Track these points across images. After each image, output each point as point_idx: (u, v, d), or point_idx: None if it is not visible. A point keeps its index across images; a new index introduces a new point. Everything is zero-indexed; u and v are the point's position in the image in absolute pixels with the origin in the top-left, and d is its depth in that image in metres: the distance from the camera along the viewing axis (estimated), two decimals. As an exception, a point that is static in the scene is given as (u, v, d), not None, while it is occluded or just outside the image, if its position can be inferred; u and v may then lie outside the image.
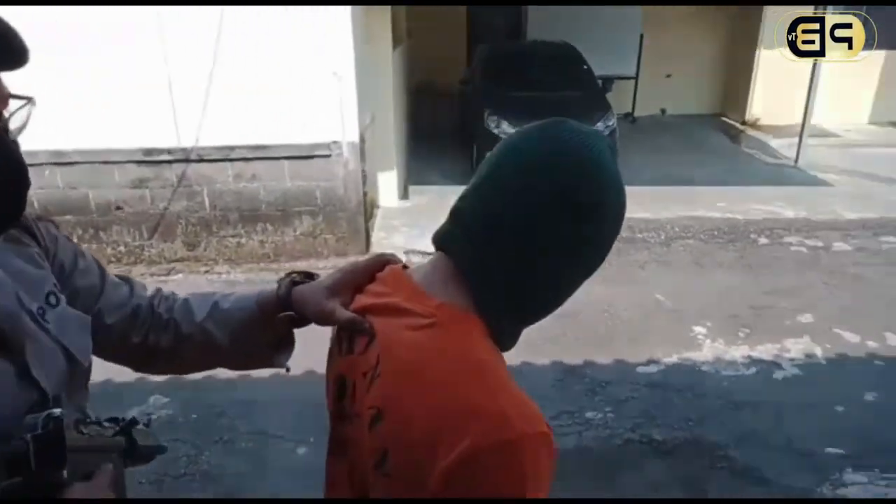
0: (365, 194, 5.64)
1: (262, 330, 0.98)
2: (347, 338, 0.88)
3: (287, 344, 1.02)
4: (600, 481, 3.09)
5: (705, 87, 11.39)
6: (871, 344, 4.19)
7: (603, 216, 0.77)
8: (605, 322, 4.57)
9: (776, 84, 9.82)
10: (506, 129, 7.29)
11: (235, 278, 5.28)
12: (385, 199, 6.84)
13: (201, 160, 5.27)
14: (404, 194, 7.25)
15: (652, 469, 3.17)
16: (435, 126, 10.09)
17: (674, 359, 4.10)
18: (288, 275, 0.99)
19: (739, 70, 10.57)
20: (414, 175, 7.94)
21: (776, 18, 9.67)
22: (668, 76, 11.16)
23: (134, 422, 0.88)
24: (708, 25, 10.92)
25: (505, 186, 0.77)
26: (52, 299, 0.84)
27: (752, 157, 8.94)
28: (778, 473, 3.10)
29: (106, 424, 0.85)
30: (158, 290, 1.05)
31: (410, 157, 8.62)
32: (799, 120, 8.23)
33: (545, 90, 7.91)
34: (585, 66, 8.51)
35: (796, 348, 4.18)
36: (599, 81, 8.42)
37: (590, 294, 5.01)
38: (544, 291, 0.81)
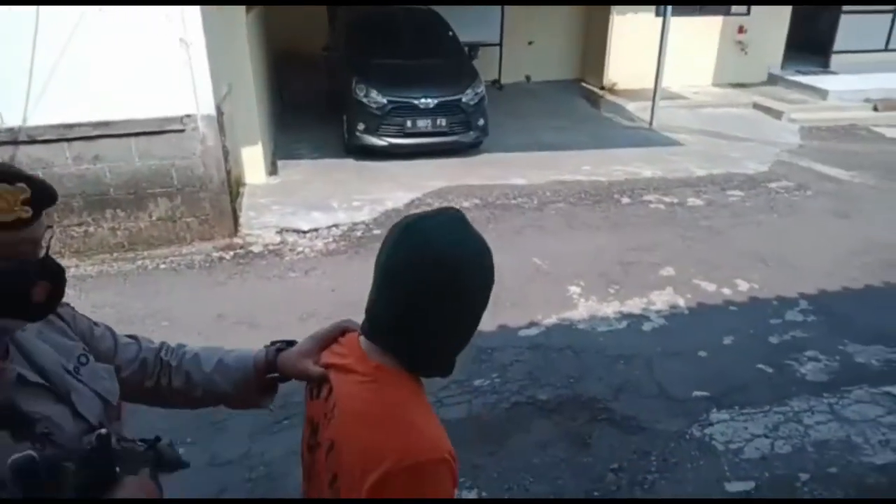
0: (228, 172, 5.25)
1: (256, 383, 1.33)
2: (317, 386, 1.18)
3: (272, 392, 1.38)
4: (492, 445, 3.12)
5: (566, 54, 11.77)
6: (726, 291, 4.56)
7: (477, 286, 1.06)
8: (486, 289, 4.61)
9: (629, 50, 10.35)
10: (375, 97, 7.10)
11: (85, 272, 4.75)
12: (252, 175, 6.44)
13: (33, 141, 4.62)
14: (273, 170, 6.88)
15: (539, 428, 3.25)
16: (302, 95, 9.63)
17: (553, 319, 4.22)
18: (272, 343, 1.36)
19: (596, 37, 11.02)
20: (283, 148, 7.55)
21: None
22: (531, 43, 11.41)
23: (158, 439, 1.20)
24: (566, -8, 11.24)
25: (399, 291, 1.03)
26: (83, 359, 1.17)
27: (612, 120, 9.41)
28: (653, 420, 3.29)
29: (139, 443, 1.18)
30: (163, 343, 1.37)
31: (278, 129, 8.19)
32: (651, 84, 8.74)
33: (412, 57, 7.78)
34: (451, 33, 8.45)
35: (661, 300, 4.46)
36: (466, 48, 8.41)
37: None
38: (449, 344, 1.10)
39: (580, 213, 5.99)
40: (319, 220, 5.70)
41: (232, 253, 5.09)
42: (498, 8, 10.58)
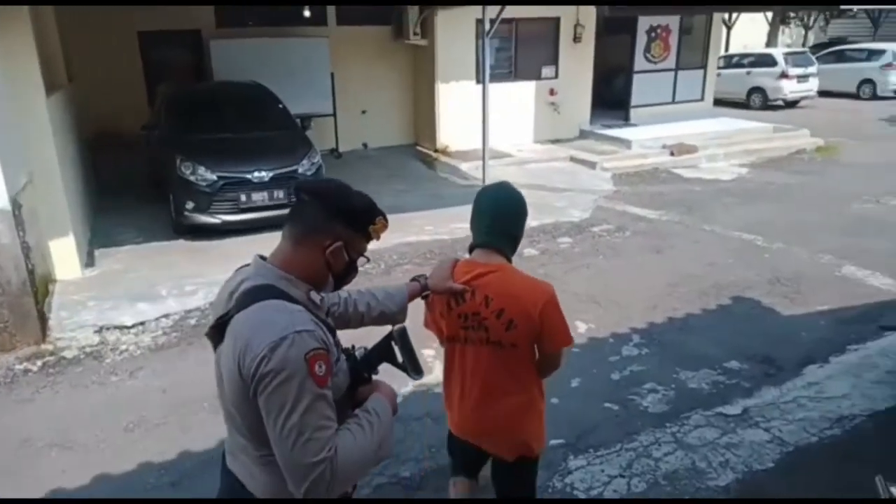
0: (31, 270, 4.65)
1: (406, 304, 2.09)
2: (455, 298, 2.08)
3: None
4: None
5: (399, 121, 12.16)
6: (568, 335, 4.77)
7: (526, 209, 2.15)
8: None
9: (457, 114, 10.92)
10: (203, 174, 6.76)
11: None
12: (63, 270, 5.75)
13: None
14: (90, 261, 6.21)
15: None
16: (123, 178, 8.94)
17: (409, 387, 4.12)
18: (415, 278, 2.14)
19: (425, 102, 11.51)
20: (102, 236, 6.88)
21: (448, 55, 10.82)
22: (364, 112, 11.66)
23: (353, 348, 1.67)
24: (392, 62, 11.69)
25: (508, 217, 2.11)
26: (330, 320, 1.69)
27: (448, 180, 9.77)
28: (516, 477, 3.26)
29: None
30: (347, 293, 1.98)
31: (95, 215, 7.48)
32: (480, 145, 9.23)
33: (241, 131, 7.57)
34: (281, 106, 8.37)
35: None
36: (298, 120, 8.35)
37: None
38: (521, 240, 2.18)
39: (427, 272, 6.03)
40: (146, 312, 5.19)
41: (40, 363, 4.44)
42: (328, 79, 10.72)
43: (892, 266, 5.88)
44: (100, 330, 4.91)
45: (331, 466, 1.33)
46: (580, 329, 4.85)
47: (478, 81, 10.47)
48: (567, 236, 7.01)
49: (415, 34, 10.94)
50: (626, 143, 11.02)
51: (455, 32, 10.79)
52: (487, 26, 9.00)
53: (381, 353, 1.67)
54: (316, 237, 1.49)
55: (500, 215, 2.08)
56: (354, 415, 1.51)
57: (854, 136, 12.71)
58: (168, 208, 7.08)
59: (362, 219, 1.53)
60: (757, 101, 17.15)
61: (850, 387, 4.00)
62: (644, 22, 12.41)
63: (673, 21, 12.70)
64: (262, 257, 1.54)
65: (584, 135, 12.09)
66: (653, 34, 12.63)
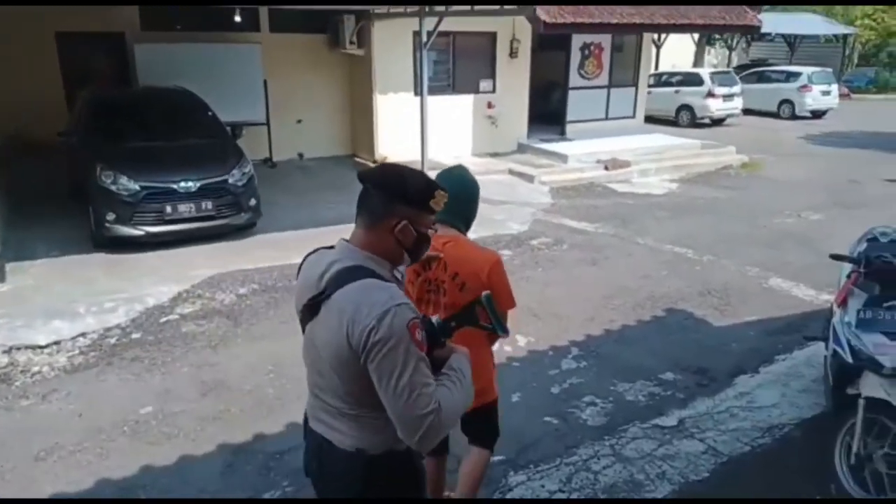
0: (-74, 287, 4.23)
1: None
2: (424, 265, 2.40)
3: None
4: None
5: (336, 131, 11.96)
6: (507, 349, 4.73)
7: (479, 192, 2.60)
8: (271, 384, 4.23)
9: (396, 125, 10.84)
10: (125, 184, 6.41)
11: None
12: (-34, 286, 5.29)
13: None
14: (0, 276, 5.76)
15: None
16: (38, 187, 8.38)
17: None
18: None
19: (363, 113, 11.38)
20: (13, 249, 6.38)
21: (385, 66, 10.75)
22: (299, 121, 11.41)
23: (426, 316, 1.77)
24: (328, 71, 11.51)
25: (466, 199, 2.49)
26: None
27: (387, 192, 9.61)
28: (456, 498, 3.17)
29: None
30: None
31: (7, 228, 6.95)
32: (419, 157, 9.17)
33: (166, 139, 7.24)
34: (210, 113, 8.06)
35: (451, 367, 4.46)
36: (229, 128, 8.05)
37: (247, 357, 4.61)
38: (475, 217, 2.58)
39: (364, 287, 5.89)
40: (62, 330, 4.84)
41: (-63, 387, 4.04)
42: (261, 86, 10.43)
43: (813, 278, 6.15)
44: (9, 350, 4.53)
45: (438, 416, 1.55)
46: (520, 343, 4.83)
47: (416, 93, 10.44)
48: (507, 249, 7.01)
49: (351, 43, 10.82)
50: (562, 158, 11.21)
51: (392, 43, 10.74)
52: (425, 38, 9.00)
53: (464, 318, 1.83)
54: (383, 221, 1.67)
55: (458, 200, 2.21)
56: (444, 373, 1.69)
57: (775, 153, 13.39)
58: (87, 220, 6.66)
59: (421, 196, 1.68)
60: (685, 118, 17.86)
61: (779, 396, 4.12)
62: (578, 39, 12.72)
63: (605, 39, 13.07)
64: (346, 240, 1.73)
65: (521, 148, 12.23)
66: (586, 51, 12.94)
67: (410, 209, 1.67)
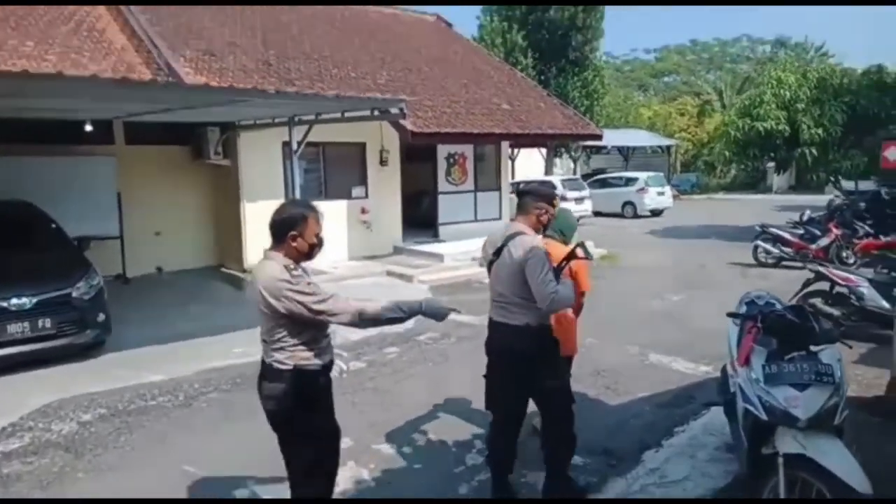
0: None
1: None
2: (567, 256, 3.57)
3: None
4: None
5: (200, 242, 11.28)
6: (406, 450, 4.31)
7: None
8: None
9: (265, 232, 10.33)
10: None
11: None
12: None
13: None
14: None
15: None
16: None
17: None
18: None
19: (229, 222, 10.84)
20: None
21: (253, 174, 10.47)
22: (158, 234, 10.64)
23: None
24: (192, 182, 11.00)
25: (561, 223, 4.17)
26: None
27: (258, 301, 9.01)
28: None
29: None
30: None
31: None
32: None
33: (3, 251, 6.33)
34: (54, 225, 7.25)
35: (344, 478, 3.91)
36: (75, 241, 7.24)
37: (90, 494, 3.81)
38: None
39: (238, 399, 5.22)
40: None
41: None
42: (114, 199, 9.66)
43: (687, 352, 6.38)
44: None
45: (557, 296, 3.16)
46: (419, 441, 4.42)
47: (285, 199, 10.15)
48: (393, 346, 6.68)
49: (216, 154, 10.48)
50: (438, 257, 11.28)
51: (260, 153, 10.53)
52: (295, 146, 8.91)
53: (569, 257, 3.39)
54: (532, 211, 3.44)
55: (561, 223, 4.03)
56: (562, 281, 3.27)
57: (628, 246, 14.44)
58: None
59: (548, 197, 3.48)
60: (544, 219, 18.96)
61: (689, 468, 4.01)
62: (443, 149, 13.32)
63: (468, 149, 13.81)
64: (512, 220, 3.53)
65: (398, 251, 12.19)
66: (451, 160, 13.55)
67: (545, 202, 3.45)
